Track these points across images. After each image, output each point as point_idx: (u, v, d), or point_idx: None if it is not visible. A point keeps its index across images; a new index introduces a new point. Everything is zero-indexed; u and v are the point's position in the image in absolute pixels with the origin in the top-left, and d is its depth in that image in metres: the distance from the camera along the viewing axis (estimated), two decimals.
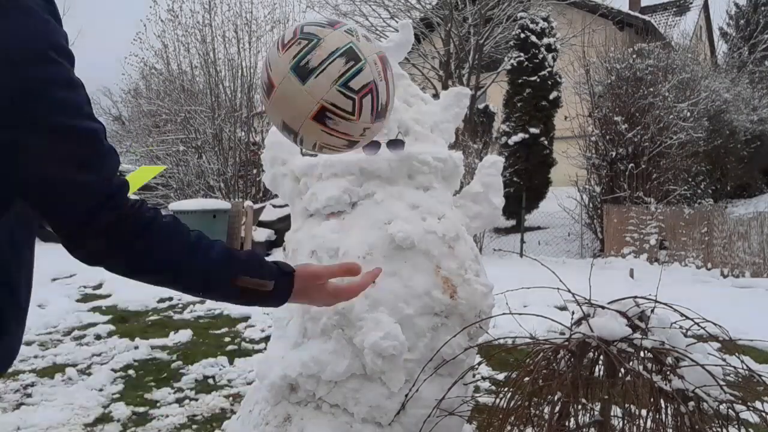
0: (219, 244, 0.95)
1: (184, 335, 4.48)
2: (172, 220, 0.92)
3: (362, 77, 0.96)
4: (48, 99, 0.75)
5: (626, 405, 1.84)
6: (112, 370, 3.76)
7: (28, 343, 4.26)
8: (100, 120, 0.84)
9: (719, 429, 1.64)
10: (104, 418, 3.05)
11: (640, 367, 1.75)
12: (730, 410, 1.64)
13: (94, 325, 4.82)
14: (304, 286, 0.99)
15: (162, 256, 0.89)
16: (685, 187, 11.48)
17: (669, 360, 1.74)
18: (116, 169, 0.86)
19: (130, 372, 3.75)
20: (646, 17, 19.50)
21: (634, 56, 11.69)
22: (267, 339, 4.00)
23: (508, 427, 1.86)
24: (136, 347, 4.20)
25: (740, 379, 2.51)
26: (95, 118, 0.83)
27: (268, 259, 1.03)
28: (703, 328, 1.84)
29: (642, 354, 1.78)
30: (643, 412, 1.74)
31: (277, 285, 0.96)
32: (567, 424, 1.82)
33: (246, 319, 5.12)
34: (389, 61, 1.04)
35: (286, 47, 0.98)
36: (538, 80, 12.56)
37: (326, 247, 2.24)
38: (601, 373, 1.89)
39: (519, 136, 12.50)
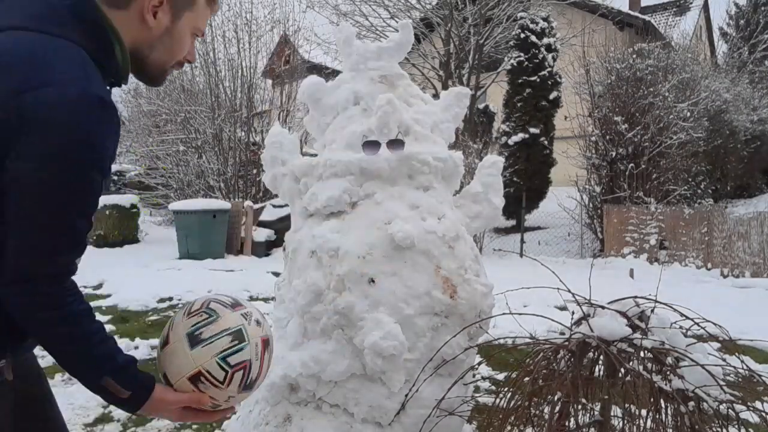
0: (109, 344, 1.09)
1: None
2: (84, 309, 1.07)
3: (241, 355, 1.15)
4: (69, 198, 1.01)
5: (626, 405, 1.84)
6: None
7: None
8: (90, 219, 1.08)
9: (719, 429, 1.64)
10: (104, 418, 3.05)
11: (640, 367, 1.75)
12: (730, 410, 1.64)
13: None
14: (156, 405, 1.14)
15: (55, 338, 1.05)
16: (685, 187, 11.48)
17: (669, 360, 1.74)
18: (74, 260, 1.06)
19: None
20: (646, 17, 19.49)
21: (634, 56, 11.69)
22: None
23: (508, 427, 1.86)
24: (136, 347, 4.20)
25: (740, 379, 2.51)
26: (90, 219, 1.06)
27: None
28: (703, 328, 1.84)
29: (642, 354, 1.78)
30: (643, 412, 1.74)
31: (132, 396, 1.11)
32: (567, 424, 1.82)
33: None
34: (271, 344, 1.25)
35: (191, 315, 1.19)
36: (538, 80, 12.56)
37: (326, 248, 2.24)
38: (601, 373, 1.89)
39: (519, 136, 12.49)
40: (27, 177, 0.97)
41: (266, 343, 1.22)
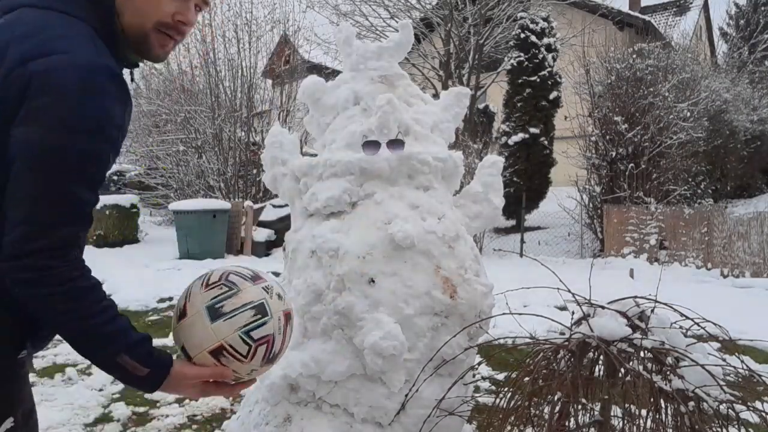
0: (121, 320, 1.04)
1: None
2: (90, 285, 1.02)
3: (264, 329, 1.12)
4: (74, 166, 0.97)
5: (626, 405, 1.84)
6: None
7: None
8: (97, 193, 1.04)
9: (719, 429, 1.64)
10: (104, 418, 3.05)
11: (640, 367, 1.75)
12: (730, 410, 1.64)
13: None
14: (176, 381, 1.09)
15: (61, 316, 1.00)
16: (685, 187, 11.48)
17: (669, 360, 1.74)
18: (77, 233, 1.01)
19: None
20: (646, 17, 19.49)
21: (634, 56, 11.69)
22: None
23: (508, 427, 1.86)
24: None
25: (740, 379, 2.51)
26: (97, 192, 1.03)
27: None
28: (703, 328, 1.84)
29: (642, 354, 1.78)
30: (643, 412, 1.74)
31: (151, 374, 1.06)
32: (567, 424, 1.82)
33: None
34: (293, 316, 1.22)
35: (209, 287, 1.14)
36: (538, 80, 12.56)
37: (326, 248, 2.24)
38: (601, 373, 1.89)
39: (519, 136, 12.49)
40: (29, 141, 0.95)
41: (288, 316, 1.19)
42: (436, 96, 2.96)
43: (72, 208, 0.99)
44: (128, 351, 1.03)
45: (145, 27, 1.10)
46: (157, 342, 3.86)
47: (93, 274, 1.03)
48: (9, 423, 1.05)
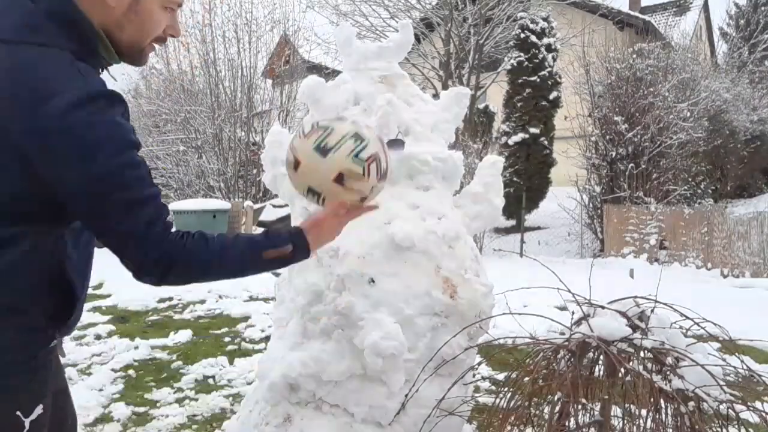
0: (242, 238, 1.19)
1: (184, 335, 4.47)
2: (199, 235, 1.13)
3: (368, 150, 1.30)
4: (120, 179, 1.03)
5: (626, 405, 1.84)
6: (112, 370, 3.76)
7: None
8: (156, 185, 1.12)
9: (719, 429, 1.65)
10: (104, 418, 3.05)
11: (640, 367, 1.75)
12: (730, 410, 1.64)
13: (94, 325, 4.81)
14: (315, 234, 1.26)
15: (200, 265, 1.12)
16: (685, 187, 11.49)
17: (669, 360, 1.74)
18: (153, 217, 1.08)
19: (130, 372, 3.75)
20: (646, 17, 19.51)
21: (634, 56, 11.71)
22: (267, 339, 4.00)
23: (508, 427, 1.86)
24: (136, 347, 4.20)
25: (740, 379, 2.51)
26: (153, 184, 1.10)
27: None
28: (703, 328, 1.84)
29: (642, 354, 1.78)
30: (643, 412, 1.74)
31: (295, 245, 1.22)
32: (567, 424, 1.82)
33: (246, 319, 5.12)
34: (384, 140, 1.40)
35: (308, 135, 1.32)
36: (538, 80, 12.57)
37: (326, 247, 2.24)
38: (601, 373, 1.89)
39: (519, 136, 12.50)
40: (77, 183, 1.00)
41: (381, 140, 1.36)
42: (436, 96, 2.96)
43: (147, 209, 1.06)
44: (265, 247, 1.18)
45: (143, 43, 1.17)
46: (156, 342, 3.88)
47: (175, 230, 1.11)
48: (39, 410, 1.09)
